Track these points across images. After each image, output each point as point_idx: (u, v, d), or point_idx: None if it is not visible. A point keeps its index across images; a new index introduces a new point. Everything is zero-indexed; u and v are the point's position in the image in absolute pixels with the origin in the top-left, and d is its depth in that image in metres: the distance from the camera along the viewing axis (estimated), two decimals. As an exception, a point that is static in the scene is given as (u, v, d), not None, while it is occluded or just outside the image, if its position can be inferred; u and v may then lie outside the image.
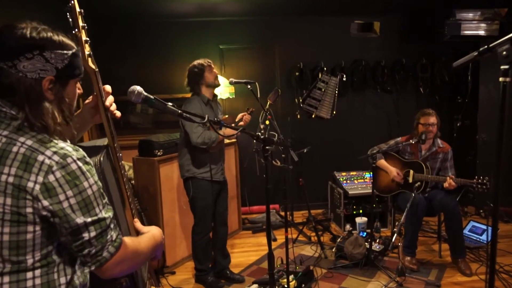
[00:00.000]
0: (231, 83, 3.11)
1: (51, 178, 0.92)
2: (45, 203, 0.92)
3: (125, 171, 1.33)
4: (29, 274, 0.95)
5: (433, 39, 4.82)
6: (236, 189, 4.36)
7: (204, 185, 2.98)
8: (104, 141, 1.31)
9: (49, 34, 0.98)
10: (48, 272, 0.98)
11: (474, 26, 4.44)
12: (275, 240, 4.10)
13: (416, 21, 5.03)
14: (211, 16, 4.76)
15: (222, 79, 4.59)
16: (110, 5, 4.07)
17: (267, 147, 1.81)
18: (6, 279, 0.93)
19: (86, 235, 0.97)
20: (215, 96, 3.13)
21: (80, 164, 0.96)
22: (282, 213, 4.67)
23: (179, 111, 1.47)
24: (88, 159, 1.01)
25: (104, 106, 1.22)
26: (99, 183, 1.02)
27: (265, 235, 2.28)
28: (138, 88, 1.36)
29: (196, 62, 3.00)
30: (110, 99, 1.26)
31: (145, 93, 1.37)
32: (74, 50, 1.03)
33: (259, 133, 1.87)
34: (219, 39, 4.93)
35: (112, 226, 1.03)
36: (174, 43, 4.88)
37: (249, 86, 2.99)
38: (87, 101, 1.29)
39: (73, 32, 1.12)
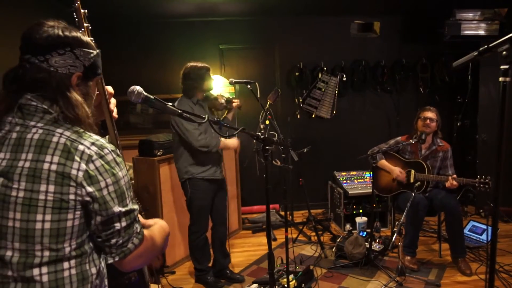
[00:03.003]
0: (231, 83, 3.11)
1: (91, 166, 0.97)
2: (89, 189, 0.96)
3: (128, 168, 1.36)
4: (66, 265, 0.97)
5: (433, 39, 4.82)
6: (236, 189, 4.36)
7: (202, 185, 2.98)
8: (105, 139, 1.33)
9: (79, 34, 1.05)
10: (82, 262, 1.01)
11: (474, 26, 4.44)
12: (275, 240, 4.11)
13: (416, 21, 5.03)
14: (211, 16, 4.76)
15: (222, 79, 4.61)
16: (110, 5, 4.07)
17: (267, 147, 1.81)
18: (45, 270, 0.95)
19: (117, 225, 1.01)
20: (205, 97, 3.14)
21: (114, 155, 1.02)
22: (282, 213, 4.67)
23: (179, 111, 1.48)
24: (119, 151, 1.06)
25: (107, 105, 1.28)
26: (128, 175, 1.06)
27: (265, 235, 2.29)
28: (138, 88, 1.36)
29: (197, 65, 2.96)
30: (113, 101, 1.31)
31: (145, 93, 1.37)
32: (98, 51, 1.10)
33: (259, 133, 1.87)
34: (219, 39, 4.93)
35: (137, 218, 1.07)
36: (174, 43, 4.88)
37: (249, 86, 2.99)
38: None
39: (80, 32, 1.16)
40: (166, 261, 3.48)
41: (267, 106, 3.16)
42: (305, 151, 4.19)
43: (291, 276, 2.88)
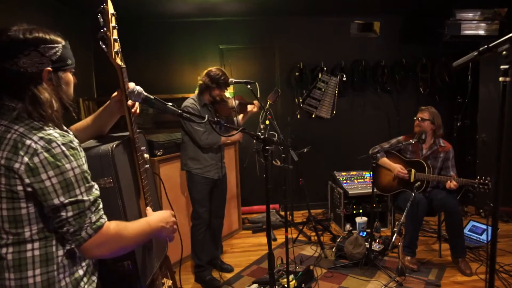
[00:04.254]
0: (231, 83, 3.11)
1: (35, 160, 1.03)
2: (27, 181, 1.03)
3: (145, 163, 1.42)
4: (29, 246, 1.07)
5: (433, 39, 4.82)
6: (236, 189, 4.37)
7: (199, 179, 3.14)
8: (127, 133, 1.39)
9: (40, 33, 1.11)
10: (47, 244, 1.09)
11: (474, 26, 4.44)
12: (275, 240, 4.11)
13: (416, 21, 5.03)
14: (211, 16, 4.76)
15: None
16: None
17: (267, 147, 1.81)
18: (10, 249, 1.06)
19: (63, 214, 1.06)
20: (216, 102, 3.19)
21: (64, 148, 1.06)
22: (282, 213, 4.67)
23: (179, 111, 1.48)
24: (74, 144, 1.10)
25: (127, 100, 1.36)
26: (84, 167, 1.11)
27: (265, 235, 2.28)
28: (138, 88, 1.36)
29: (220, 72, 3.08)
30: (131, 85, 1.37)
31: (145, 93, 1.37)
32: (63, 43, 1.16)
33: (259, 133, 1.87)
34: (219, 39, 4.93)
35: (93, 209, 1.11)
36: (174, 43, 4.88)
37: (249, 86, 2.99)
38: (114, 94, 1.41)
39: (102, 30, 1.27)
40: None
41: (267, 106, 3.16)
42: (305, 151, 4.19)
43: (291, 276, 2.88)
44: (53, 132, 1.07)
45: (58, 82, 1.14)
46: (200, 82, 3.13)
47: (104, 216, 1.14)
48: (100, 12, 1.26)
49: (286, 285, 2.76)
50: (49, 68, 1.11)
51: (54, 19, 3.78)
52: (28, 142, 1.03)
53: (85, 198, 1.09)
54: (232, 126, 1.79)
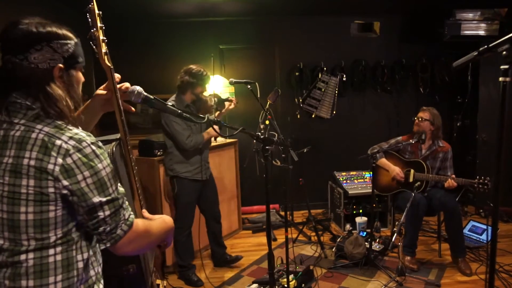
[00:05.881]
0: (231, 83, 3.11)
1: (69, 160, 1.00)
2: (65, 182, 0.99)
3: (135, 165, 1.39)
4: (51, 251, 1.02)
5: (433, 39, 4.82)
6: (236, 189, 4.36)
7: (187, 183, 3.14)
8: (116, 136, 1.36)
9: (53, 27, 1.07)
10: (68, 249, 1.05)
11: (474, 26, 4.44)
12: (275, 240, 4.11)
13: (416, 21, 5.03)
14: (211, 16, 4.76)
15: (222, 79, 4.60)
16: (110, 5, 4.07)
17: (267, 147, 1.81)
18: (31, 255, 1.01)
19: (101, 214, 1.04)
20: (198, 100, 3.19)
21: (93, 147, 1.04)
22: (282, 213, 4.67)
23: (179, 111, 1.48)
24: (100, 143, 1.07)
25: (118, 101, 1.31)
26: (111, 165, 1.09)
27: (265, 235, 2.29)
28: (138, 88, 1.36)
29: (201, 68, 3.09)
30: (126, 84, 1.38)
31: (145, 93, 1.37)
32: (76, 40, 1.12)
33: (259, 133, 1.87)
34: (219, 39, 4.93)
35: (124, 206, 1.10)
36: (174, 43, 4.88)
37: (249, 86, 3.00)
38: (99, 91, 1.37)
39: (92, 31, 1.23)
40: (166, 260, 3.48)
41: (267, 106, 3.16)
42: (305, 151, 4.19)
43: (291, 276, 2.88)
44: (79, 132, 1.04)
45: (69, 80, 1.10)
46: (181, 81, 3.09)
47: (132, 212, 1.13)
48: (87, 11, 1.23)
49: (286, 285, 2.76)
50: (60, 65, 1.06)
51: (54, 19, 3.77)
52: (58, 142, 0.99)
53: (118, 195, 1.08)
54: (232, 126, 1.78)
